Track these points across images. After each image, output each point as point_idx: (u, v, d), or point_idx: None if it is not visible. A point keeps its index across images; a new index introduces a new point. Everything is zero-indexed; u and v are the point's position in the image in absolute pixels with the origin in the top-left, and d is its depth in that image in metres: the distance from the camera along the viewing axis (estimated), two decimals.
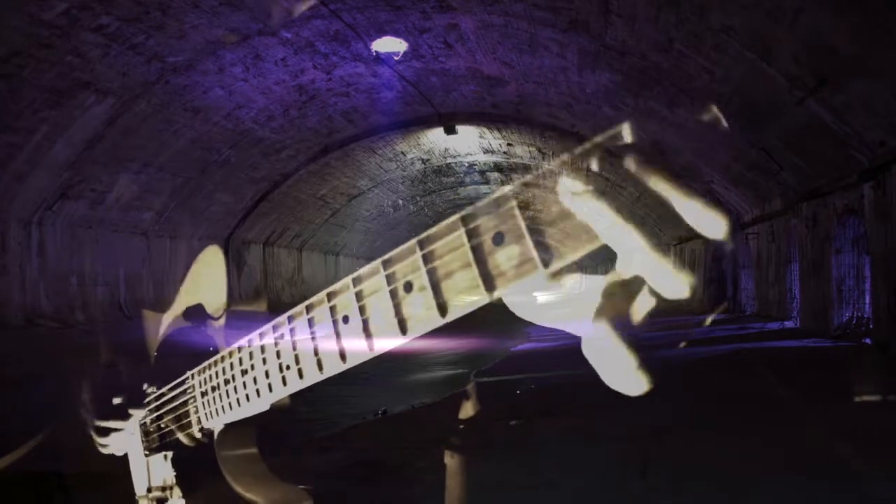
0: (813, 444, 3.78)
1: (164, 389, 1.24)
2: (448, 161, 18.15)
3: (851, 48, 5.85)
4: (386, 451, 4.61)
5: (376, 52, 9.95)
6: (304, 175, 14.77)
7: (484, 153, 17.22)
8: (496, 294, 0.58)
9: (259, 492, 1.07)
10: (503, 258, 0.57)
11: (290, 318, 0.82)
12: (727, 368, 6.60)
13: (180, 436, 1.16)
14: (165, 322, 1.31)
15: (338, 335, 0.73)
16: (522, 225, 0.56)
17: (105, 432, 1.28)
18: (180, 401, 1.16)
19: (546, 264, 0.54)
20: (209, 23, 8.01)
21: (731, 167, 10.70)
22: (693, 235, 15.72)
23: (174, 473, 1.24)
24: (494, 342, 11.35)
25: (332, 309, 0.74)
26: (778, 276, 10.49)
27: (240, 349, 0.96)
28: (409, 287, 0.64)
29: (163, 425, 1.23)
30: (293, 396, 0.94)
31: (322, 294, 0.75)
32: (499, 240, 0.57)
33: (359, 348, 0.71)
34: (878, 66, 5.79)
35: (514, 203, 0.56)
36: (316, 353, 0.78)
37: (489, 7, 8.37)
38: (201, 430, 1.11)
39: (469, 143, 16.26)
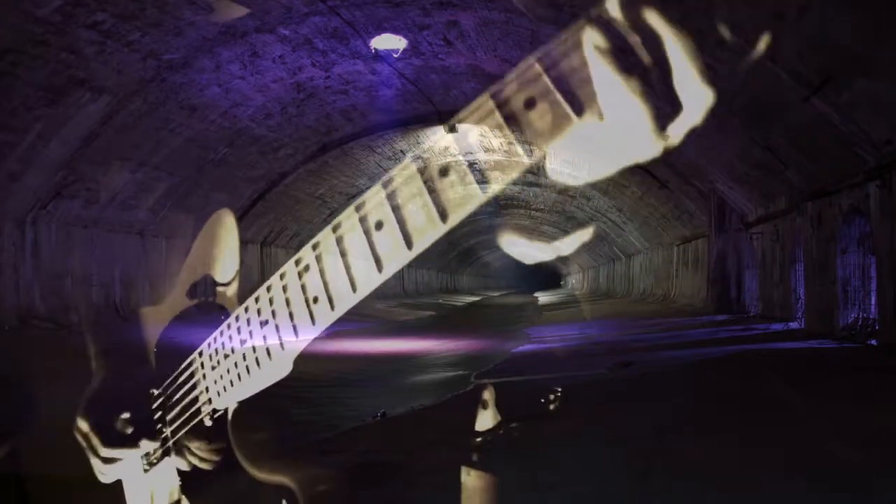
0: (814, 445, 3.74)
1: (161, 388, 1.13)
2: (448, 160, 18.10)
3: (857, 46, 5.77)
4: (385, 453, 4.55)
5: (375, 49, 9.86)
6: (302, 174, 14.70)
7: (485, 152, 17.15)
8: (536, 155, 0.58)
9: (282, 473, 0.98)
10: (536, 117, 0.58)
11: (315, 246, 0.75)
12: (729, 369, 6.54)
13: (186, 431, 1.04)
14: (166, 314, 1.19)
15: (371, 245, 0.68)
16: (549, 82, 0.56)
17: (110, 461, 1.15)
18: (184, 389, 1.04)
19: (580, 114, 0.54)
20: (206, 20, 7.93)
21: (735, 166, 10.62)
22: (697, 235, 15.63)
23: (180, 484, 1.11)
24: (495, 343, 11.29)
25: (363, 220, 0.69)
26: (782, 277, 10.39)
27: (258, 298, 0.85)
28: (445, 172, 0.65)
29: (164, 429, 1.10)
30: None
31: (349, 209, 0.71)
32: (530, 105, 0.58)
33: (397, 249, 0.67)
34: (885, 64, 5.72)
35: (536, 65, 0.58)
36: (348, 272, 0.70)
37: (490, 3, 8.29)
38: (213, 413, 0.99)
39: (469, 142, 16.21)
